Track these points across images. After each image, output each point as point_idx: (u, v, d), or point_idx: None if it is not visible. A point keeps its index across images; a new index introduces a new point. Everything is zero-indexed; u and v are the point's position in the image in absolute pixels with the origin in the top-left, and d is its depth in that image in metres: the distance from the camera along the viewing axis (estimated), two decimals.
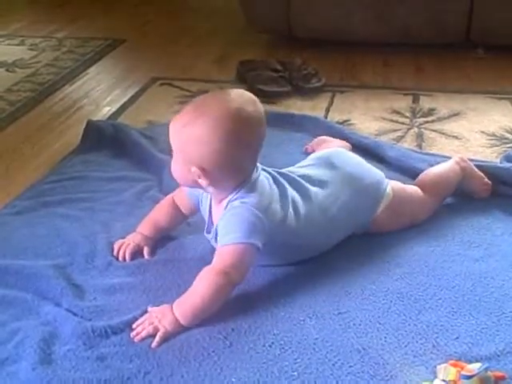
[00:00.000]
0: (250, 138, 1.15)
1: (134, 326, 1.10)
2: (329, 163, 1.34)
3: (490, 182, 1.47)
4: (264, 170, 1.24)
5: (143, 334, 1.08)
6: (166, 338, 1.08)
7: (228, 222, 1.15)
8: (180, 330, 1.09)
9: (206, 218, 1.25)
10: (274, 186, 1.22)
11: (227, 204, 1.17)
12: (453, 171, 1.45)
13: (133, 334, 1.09)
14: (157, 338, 1.07)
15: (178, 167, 1.19)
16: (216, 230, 1.19)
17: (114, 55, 2.67)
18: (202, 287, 1.11)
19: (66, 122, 2.03)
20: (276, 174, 1.25)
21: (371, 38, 2.49)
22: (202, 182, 1.16)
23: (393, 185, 1.37)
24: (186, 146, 1.15)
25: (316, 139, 1.70)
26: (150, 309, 1.13)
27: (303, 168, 1.35)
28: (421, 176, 1.46)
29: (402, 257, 1.28)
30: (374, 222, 1.33)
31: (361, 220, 1.33)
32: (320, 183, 1.29)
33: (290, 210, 1.21)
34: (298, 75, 2.20)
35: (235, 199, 1.17)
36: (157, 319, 1.10)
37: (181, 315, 1.09)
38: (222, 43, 2.72)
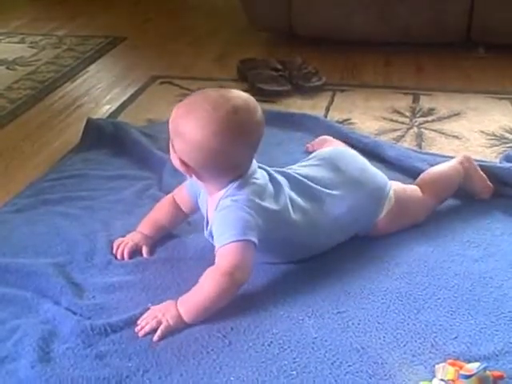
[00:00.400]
0: (243, 138, 1.14)
1: (138, 321, 1.11)
2: (332, 164, 1.33)
3: (492, 184, 1.46)
4: (260, 167, 1.23)
5: (147, 328, 1.09)
6: (167, 333, 1.08)
7: (222, 222, 1.15)
8: (182, 326, 1.10)
9: (204, 212, 1.26)
10: (270, 184, 1.21)
11: (218, 202, 1.18)
12: (455, 171, 1.44)
13: (137, 328, 1.10)
14: (158, 332, 1.08)
15: (171, 153, 1.21)
16: (211, 229, 1.19)
17: (114, 53, 2.67)
18: (207, 287, 1.11)
19: (65, 120, 2.03)
20: (273, 172, 1.25)
21: (372, 37, 2.49)
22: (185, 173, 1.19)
23: (394, 187, 1.37)
24: (173, 137, 1.17)
25: (317, 139, 1.69)
26: (151, 307, 1.13)
27: (306, 167, 1.34)
28: (422, 175, 1.45)
29: (402, 256, 1.28)
30: (376, 225, 1.33)
31: (363, 223, 1.32)
32: (323, 184, 1.28)
33: (289, 206, 1.21)
34: (298, 74, 2.20)
35: (226, 196, 1.17)
36: (160, 313, 1.10)
37: (185, 312, 1.10)
38: (223, 42, 2.72)
